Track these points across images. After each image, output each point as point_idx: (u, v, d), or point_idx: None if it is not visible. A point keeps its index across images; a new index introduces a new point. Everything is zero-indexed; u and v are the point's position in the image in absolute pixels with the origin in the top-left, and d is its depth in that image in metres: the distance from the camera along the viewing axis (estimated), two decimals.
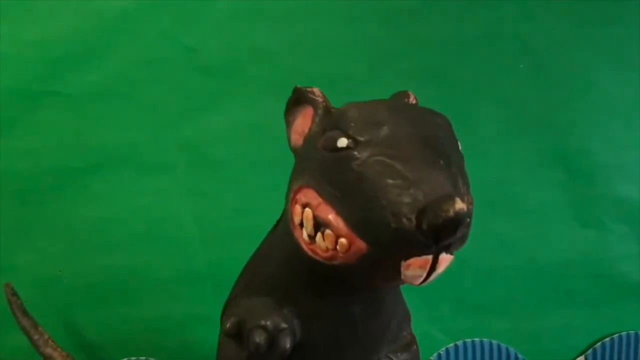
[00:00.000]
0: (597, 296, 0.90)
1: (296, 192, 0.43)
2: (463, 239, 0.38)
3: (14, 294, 0.73)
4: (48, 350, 0.71)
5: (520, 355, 0.88)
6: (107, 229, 0.81)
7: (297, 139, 0.47)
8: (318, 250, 0.41)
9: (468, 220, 0.37)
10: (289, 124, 0.48)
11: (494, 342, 0.88)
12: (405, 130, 0.39)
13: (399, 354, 0.49)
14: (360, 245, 0.38)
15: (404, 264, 0.37)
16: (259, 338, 0.42)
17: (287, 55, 0.83)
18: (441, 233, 0.35)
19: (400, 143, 0.39)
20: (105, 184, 0.80)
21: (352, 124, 0.40)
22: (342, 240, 0.39)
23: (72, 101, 0.80)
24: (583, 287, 0.90)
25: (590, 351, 0.90)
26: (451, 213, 0.33)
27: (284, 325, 0.43)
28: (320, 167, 0.41)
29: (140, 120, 0.81)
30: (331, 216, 0.39)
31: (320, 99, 0.45)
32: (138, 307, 0.81)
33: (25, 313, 0.72)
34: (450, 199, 0.34)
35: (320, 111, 0.45)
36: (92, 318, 0.81)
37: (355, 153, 0.39)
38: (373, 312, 0.47)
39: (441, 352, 0.88)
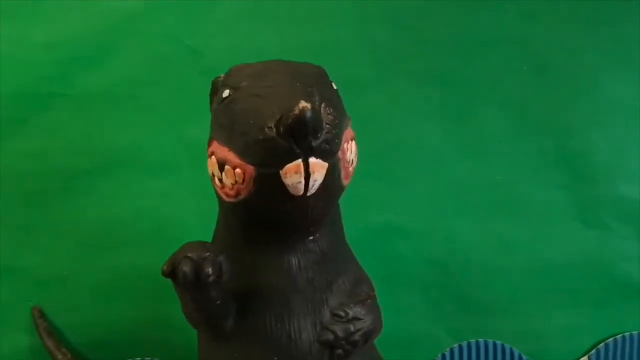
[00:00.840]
0: (601, 296, 0.90)
1: (208, 150, 0.49)
2: (328, 144, 0.43)
3: (41, 316, 0.79)
4: None
5: (524, 356, 0.89)
6: (114, 229, 0.81)
7: None
8: (227, 190, 0.46)
9: (328, 126, 0.43)
10: (211, 110, 0.53)
11: (498, 342, 0.88)
12: (274, 72, 0.47)
13: (351, 305, 0.53)
14: (249, 169, 0.44)
15: (282, 173, 0.42)
16: (185, 267, 0.46)
17: (292, 57, 0.82)
18: (294, 131, 0.41)
19: (267, 79, 0.45)
20: (111, 184, 0.81)
21: (232, 78, 0.48)
22: (238, 170, 0.44)
23: (78, 102, 0.80)
24: (587, 288, 0.90)
25: (594, 352, 0.90)
26: (296, 111, 0.40)
27: (206, 254, 0.47)
28: (216, 119, 0.49)
29: (146, 122, 0.81)
30: (227, 154, 0.45)
31: (222, 78, 0.51)
32: (144, 307, 0.82)
33: (50, 334, 0.78)
34: (297, 102, 0.40)
35: (222, 85, 0.50)
36: (98, 318, 0.82)
37: (234, 97, 0.46)
38: (313, 263, 0.51)
39: (445, 353, 0.88)
